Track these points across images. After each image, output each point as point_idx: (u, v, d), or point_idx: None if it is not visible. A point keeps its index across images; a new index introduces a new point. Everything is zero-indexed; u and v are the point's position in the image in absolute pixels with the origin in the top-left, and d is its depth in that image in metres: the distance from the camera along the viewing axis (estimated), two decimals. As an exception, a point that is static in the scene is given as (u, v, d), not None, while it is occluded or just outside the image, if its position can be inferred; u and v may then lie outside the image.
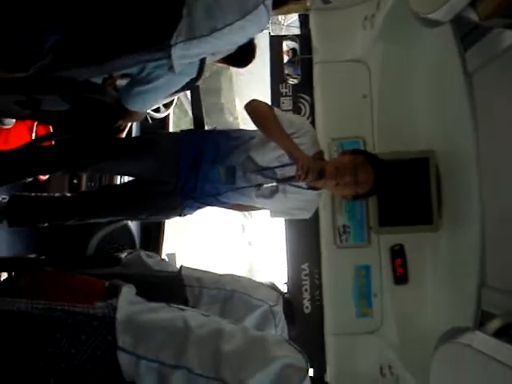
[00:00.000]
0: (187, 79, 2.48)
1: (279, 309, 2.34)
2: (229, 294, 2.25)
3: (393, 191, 3.20)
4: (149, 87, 2.39)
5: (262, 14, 2.14)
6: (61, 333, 1.27)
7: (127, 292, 1.47)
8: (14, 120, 3.09)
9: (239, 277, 1.78)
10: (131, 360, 1.23)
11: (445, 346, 2.26)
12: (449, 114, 2.99)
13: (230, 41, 2.24)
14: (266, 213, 3.16)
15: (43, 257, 3.18)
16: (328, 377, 3.53)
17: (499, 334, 2.07)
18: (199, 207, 3.06)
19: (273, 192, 2.82)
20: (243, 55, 3.42)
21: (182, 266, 1.70)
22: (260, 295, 2.27)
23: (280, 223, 3.86)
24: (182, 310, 1.44)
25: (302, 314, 3.61)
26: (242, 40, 2.33)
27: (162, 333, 1.29)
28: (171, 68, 2.13)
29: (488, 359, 1.87)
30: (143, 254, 1.79)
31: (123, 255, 1.75)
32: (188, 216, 3.10)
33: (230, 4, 2.06)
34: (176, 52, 2.04)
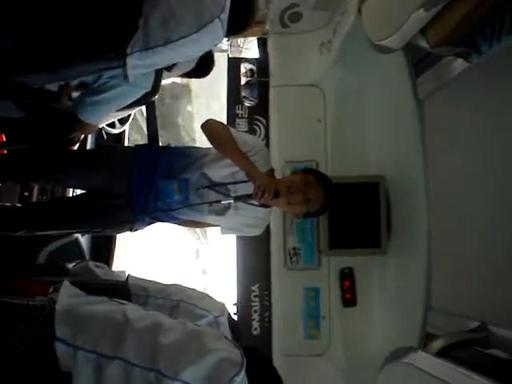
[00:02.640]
0: (142, 92, 2.49)
1: (224, 320, 2.34)
2: (175, 304, 2.23)
3: (343, 214, 3.24)
4: (102, 97, 2.38)
5: (217, 27, 2.17)
6: None
7: (67, 286, 1.47)
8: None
9: (185, 287, 1.79)
10: (69, 351, 1.23)
11: (389, 365, 2.29)
12: (400, 140, 3.05)
13: (184, 53, 2.26)
14: (221, 238, 3.18)
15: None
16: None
17: (441, 353, 2.11)
18: (150, 222, 3.06)
19: (225, 209, 2.85)
20: (203, 65, 3.46)
21: (128, 276, 1.70)
22: (205, 305, 2.26)
23: (233, 247, 3.87)
24: (123, 304, 1.44)
25: (250, 335, 3.61)
26: (196, 53, 2.36)
27: (101, 324, 1.28)
28: (126, 78, 2.14)
29: (430, 378, 1.90)
30: (91, 264, 1.78)
31: (71, 265, 1.74)
32: (139, 231, 3.09)
33: (186, 17, 2.09)
34: (131, 61, 2.05)
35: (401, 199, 3.15)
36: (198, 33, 2.11)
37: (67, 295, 1.39)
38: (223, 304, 1.97)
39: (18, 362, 1.22)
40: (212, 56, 3.51)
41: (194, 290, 1.76)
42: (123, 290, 2.21)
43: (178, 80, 3.72)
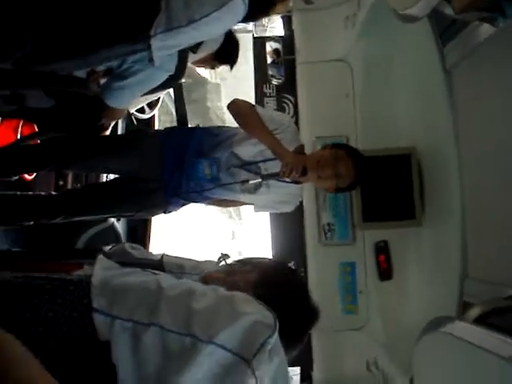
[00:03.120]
0: (165, 75, 2.50)
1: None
2: None
3: (376, 187, 3.23)
4: (126, 82, 2.41)
5: (239, 4, 2.17)
6: (39, 298, 1.31)
7: (102, 259, 1.51)
8: (-1, 118, 3.11)
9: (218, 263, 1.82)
10: (106, 320, 1.27)
11: (426, 336, 2.29)
12: (429, 110, 3.03)
13: (207, 32, 2.27)
14: (255, 218, 3.22)
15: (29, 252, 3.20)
16: (315, 373, 3.55)
17: (479, 321, 2.10)
18: (184, 204, 3.10)
19: (257, 187, 2.86)
20: (228, 53, 3.47)
21: (163, 254, 1.74)
22: None
23: (268, 225, 3.89)
24: (156, 273, 1.48)
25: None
26: (219, 31, 2.37)
27: (136, 294, 1.32)
28: (151, 60, 2.16)
29: (469, 345, 1.90)
30: (127, 245, 1.82)
31: (108, 248, 1.78)
32: (173, 213, 3.14)
33: None
34: (155, 43, 2.07)
35: (433, 170, 3.13)
36: (220, 11, 2.12)
37: (102, 268, 1.44)
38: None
39: (59, 333, 1.26)
40: (236, 40, 3.52)
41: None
42: (158, 267, 2.25)
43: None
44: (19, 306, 1.26)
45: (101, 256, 1.53)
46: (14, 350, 0.73)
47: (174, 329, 1.24)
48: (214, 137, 2.99)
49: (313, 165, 2.66)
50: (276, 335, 1.28)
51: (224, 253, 1.83)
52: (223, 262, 1.79)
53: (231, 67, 3.67)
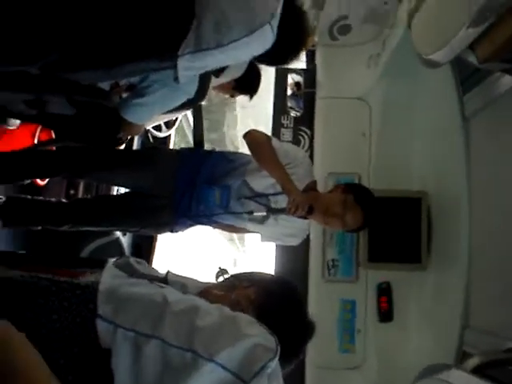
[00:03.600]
0: (184, 97, 2.52)
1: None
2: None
3: (384, 228, 3.23)
4: (144, 100, 2.43)
5: (268, 33, 2.20)
6: (44, 299, 1.31)
7: (111, 267, 1.52)
8: (18, 122, 3.14)
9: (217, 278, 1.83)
10: (109, 328, 1.27)
11: (422, 381, 2.27)
12: (444, 156, 3.04)
13: (234, 56, 2.29)
14: (258, 248, 3.23)
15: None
16: (307, 411, 3.51)
17: (476, 371, 2.08)
18: (192, 225, 3.11)
19: (265, 218, 2.87)
20: (249, 82, 3.50)
21: (168, 271, 1.74)
22: None
23: (271, 256, 3.88)
24: (162, 287, 1.48)
25: (284, 344, 3.60)
26: (245, 57, 2.38)
27: (141, 305, 1.32)
28: (176, 79, 2.18)
29: (464, 395, 1.88)
30: (132, 259, 1.82)
31: (112, 260, 1.78)
32: (179, 233, 3.14)
33: (238, 21, 2.12)
34: (182, 63, 2.09)
35: (443, 216, 3.13)
36: (249, 37, 2.14)
37: (111, 276, 1.45)
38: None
39: (61, 337, 1.27)
40: (258, 70, 3.56)
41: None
42: (163, 282, 2.25)
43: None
44: (24, 305, 1.27)
45: (110, 264, 1.54)
46: (30, 351, 0.74)
47: (175, 343, 1.24)
48: (228, 162, 3.00)
49: (320, 209, 2.69)
50: (276, 360, 1.28)
51: (222, 268, 1.83)
52: (221, 278, 1.80)
53: (251, 97, 3.70)
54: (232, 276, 1.79)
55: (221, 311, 1.38)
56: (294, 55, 2.57)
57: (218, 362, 1.21)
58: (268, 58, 2.47)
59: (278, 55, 2.49)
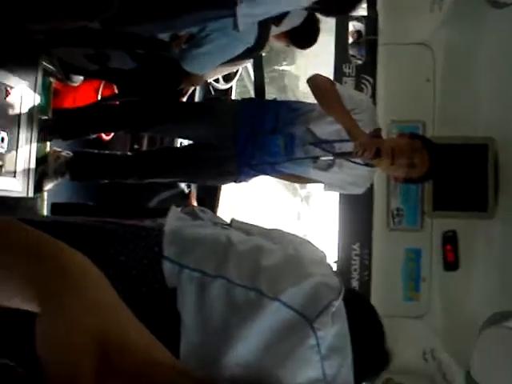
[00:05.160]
0: (244, 46, 2.52)
1: (324, 261, 2.37)
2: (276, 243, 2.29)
3: (449, 176, 3.17)
4: (204, 49, 2.44)
5: None
6: (110, 242, 1.36)
7: (175, 210, 1.55)
8: (81, 78, 3.20)
9: (287, 232, 1.83)
10: (174, 269, 1.30)
11: (489, 329, 2.26)
12: (511, 101, 2.95)
13: (292, 1, 2.27)
14: (322, 202, 3.21)
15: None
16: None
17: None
18: (255, 175, 3.13)
19: (329, 165, 2.85)
20: (306, 36, 3.45)
21: (232, 219, 1.76)
22: (305, 251, 2.29)
23: (334, 209, 3.88)
24: (226, 228, 1.51)
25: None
26: (303, 2, 2.34)
27: (206, 246, 1.35)
28: (235, 27, 2.18)
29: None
30: (197, 208, 1.85)
31: (178, 209, 1.81)
32: (243, 183, 3.17)
33: None
34: (240, 10, 2.09)
35: (510, 163, 3.05)
36: None
37: (175, 218, 1.48)
38: (324, 252, 2.00)
39: (128, 277, 1.31)
40: (317, 31, 3.50)
41: (295, 235, 1.81)
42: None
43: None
44: (91, 247, 1.31)
45: (174, 207, 1.57)
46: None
47: (240, 282, 1.27)
48: (290, 111, 2.98)
49: (387, 150, 2.62)
50: (340, 300, 1.28)
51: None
52: None
53: (304, 47, 3.62)
54: None
55: (285, 251, 1.39)
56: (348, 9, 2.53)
57: (282, 301, 1.23)
58: (329, 6, 2.44)
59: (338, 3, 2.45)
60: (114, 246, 1.35)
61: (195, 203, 3.34)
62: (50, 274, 0.67)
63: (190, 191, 3.62)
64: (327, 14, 2.75)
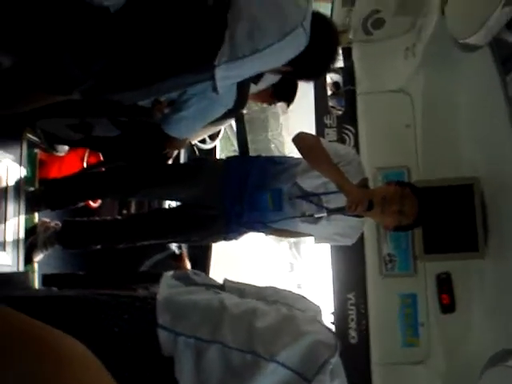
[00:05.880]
0: (224, 109, 2.55)
1: (319, 320, 2.35)
2: (270, 304, 2.27)
3: (438, 218, 3.19)
4: (184, 114, 2.47)
5: (300, 35, 2.22)
6: (105, 314, 1.35)
7: (167, 277, 1.55)
8: (66, 147, 3.23)
9: (280, 289, 1.82)
10: (170, 337, 1.30)
11: (491, 369, 2.25)
12: (492, 139, 2.99)
13: (270, 62, 2.31)
14: (313, 252, 3.21)
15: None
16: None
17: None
18: (245, 232, 3.13)
19: (317, 218, 2.85)
20: (287, 89, 3.51)
21: (225, 279, 1.76)
22: (301, 306, 2.27)
23: (327, 259, 3.87)
24: (219, 292, 1.51)
25: (348, 343, 3.60)
26: (281, 61, 2.38)
27: (199, 312, 1.35)
28: (215, 90, 2.21)
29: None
30: (190, 271, 1.85)
31: (171, 272, 1.81)
32: (233, 240, 3.17)
33: (270, 26, 2.14)
34: (219, 73, 2.12)
35: (497, 201, 3.08)
36: (283, 41, 2.16)
37: (168, 286, 1.49)
38: (319, 306, 2.00)
39: (123, 349, 1.30)
40: (295, 88, 3.58)
41: (289, 291, 1.80)
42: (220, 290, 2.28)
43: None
44: (85, 321, 1.31)
45: (167, 274, 1.58)
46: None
47: (235, 346, 1.27)
48: (277, 165, 3.01)
49: (378, 200, 2.63)
50: (337, 356, 1.28)
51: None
52: None
53: (288, 104, 3.70)
54: None
55: (278, 311, 1.40)
56: (328, 63, 2.58)
57: (280, 362, 1.23)
58: (305, 70, 2.50)
59: (313, 66, 2.50)
60: (108, 318, 1.35)
61: (187, 264, 3.32)
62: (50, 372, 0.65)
63: (181, 252, 3.61)
64: (300, 78, 2.81)
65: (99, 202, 3.65)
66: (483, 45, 2.13)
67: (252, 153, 3.68)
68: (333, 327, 3.28)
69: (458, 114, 3.32)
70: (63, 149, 3.21)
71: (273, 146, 9.17)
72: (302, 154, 2.87)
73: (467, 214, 3.14)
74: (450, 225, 3.20)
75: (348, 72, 3.94)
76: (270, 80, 3.28)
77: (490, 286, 3.10)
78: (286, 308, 1.49)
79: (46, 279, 3.06)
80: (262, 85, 3.25)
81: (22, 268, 2.83)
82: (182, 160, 4.09)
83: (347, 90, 3.93)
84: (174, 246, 3.73)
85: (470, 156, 3.27)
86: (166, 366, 1.27)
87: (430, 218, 3.09)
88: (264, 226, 3.04)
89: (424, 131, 3.53)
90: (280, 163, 3.04)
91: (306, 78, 2.74)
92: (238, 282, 1.75)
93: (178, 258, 3.44)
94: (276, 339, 1.28)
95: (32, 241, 3.12)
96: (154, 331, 1.31)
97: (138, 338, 1.32)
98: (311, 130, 3.88)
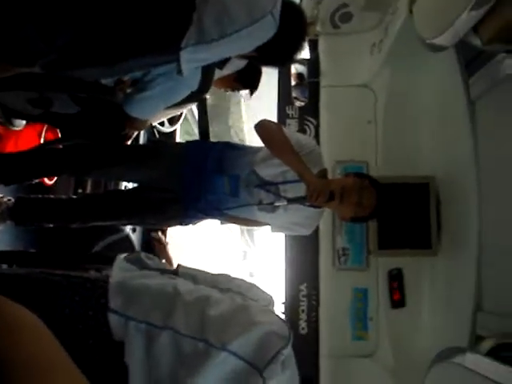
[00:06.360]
0: (187, 91, 2.52)
1: (273, 310, 2.36)
2: (223, 292, 2.27)
3: (393, 215, 3.22)
4: (148, 94, 2.43)
5: (269, 22, 2.20)
6: (56, 295, 1.33)
7: (121, 260, 1.53)
8: (24, 122, 3.15)
9: (233, 277, 1.81)
10: (121, 321, 1.28)
11: (438, 365, 2.28)
12: (451, 140, 3.04)
13: (237, 47, 2.29)
14: (267, 241, 3.22)
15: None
16: (322, 399, 3.52)
17: (491, 354, 2.09)
18: (202, 218, 3.11)
19: (274, 207, 2.84)
20: (251, 76, 3.49)
21: (179, 265, 1.74)
22: (253, 295, 2.27)
23: (281, 249, 3.87)
24: (173, 278, 1.49)
25: (297, 334, 3.61)
26: (248, 47, 2.37)
27: (152, 296, 1.34)
28: (179, 72, 2.18)
29: (480, 378, 1.89)
30: (143, 255, 1.82)
31: (123, 255, 1.79)
32: (189, 226, 3.15)
33: (239, 12, 2.12)
34: (185, 55, 2.10)
35: (451, 200, 3.13)
36: (251, 27, 2.14)
37: (120, 269, 1.46)
38: (271, 296, 2.00)
39: (74, 331, 1.28)
40: (259, 75, 3.56)
41: (242, 280, 1.79)
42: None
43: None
44: (35, 301, 1.28)
45: (120, 257, 1.55)
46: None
47: (187, 333, 1.26)
48: (236, 150, 3.00)
49: (337, 191, 2.63)
50: (290, 347, 1.28)
51: None
52: None
53: (251, 92, 3.68)
54: None
55: (232, 300, 1.39)
56: (294, 52, 2.56)
57: (231, 351, 1.22)
58: (270, 57, 2.48)
59: (279, 53, 2.48)
60: (59, 299, 1.32)
61: (168, 250, 3.28)
62: None
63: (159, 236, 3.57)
64: (266, 64, 2.78)
65: (54, 179, 3.58)
66: (449, 46, 2.15)
67: (212, 139, 3.65)
68: (283, 317, 3.30)
69: (419, 113, 3.36)
70: (20, 123, 3.13)
71: (233, 131, 9.13)
72: (263, 142, 2.84)
73: (422, 212, 3.19)
74: (404, 222, 3.25)
75: (313, 64, 3.93)
76: (234, 66, 3.26)
77: (440, 283, 3.15)
78: (239, 297, 1.49)
79: (-3, 256, 3.00)
80: (227, 70, 3.22)
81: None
82: (141, 141, 4.04)
83: (311, 82, 3.92)
84: (128, 229, 3.69)
85: (429, 155, 3.32)
86: (116, 350, 1.25)
87: (386, 214, 3.12)
88: (220, 213, 3.02)
89: (385, 128, 3.56)
90: (238, 149, 3.04)
91: (271, 64, 2.72)
92: (192, 268, 1.74)
93: (132, 241, 3.40)
94: (228, 328, 1.27)
95: (-16, 217, 3.05)
96: (105, 314, 1.29)
97: (88, 320, 1.30)
98: (273, 119, 3.87)
